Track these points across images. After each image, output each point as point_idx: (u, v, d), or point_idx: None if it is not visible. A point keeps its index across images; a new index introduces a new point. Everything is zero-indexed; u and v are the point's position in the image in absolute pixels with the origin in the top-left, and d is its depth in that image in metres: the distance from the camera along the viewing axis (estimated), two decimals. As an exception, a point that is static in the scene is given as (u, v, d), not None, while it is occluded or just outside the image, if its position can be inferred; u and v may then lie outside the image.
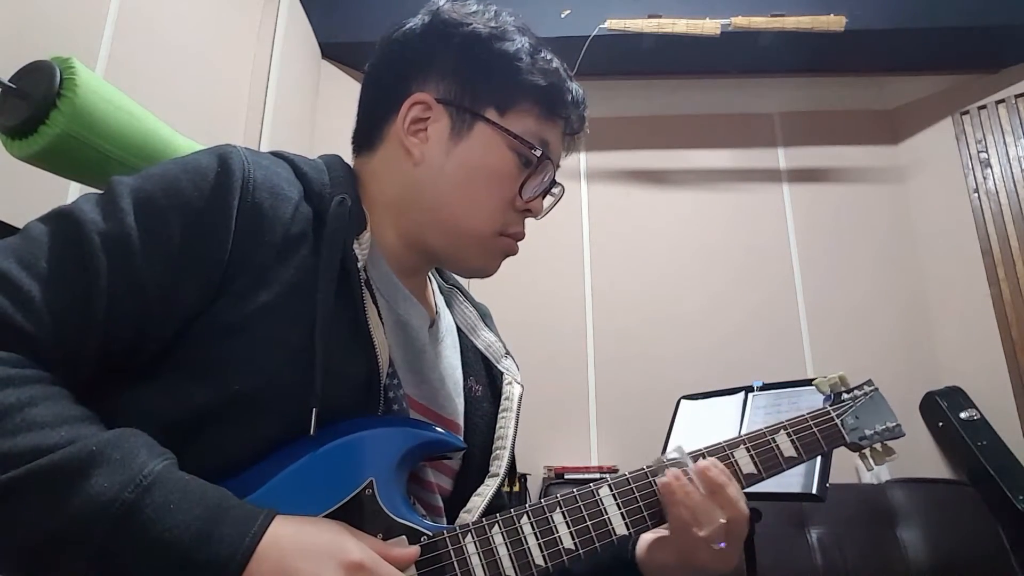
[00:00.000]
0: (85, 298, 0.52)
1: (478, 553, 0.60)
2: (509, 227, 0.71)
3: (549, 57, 0.72)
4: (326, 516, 0.55)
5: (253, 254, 0.57)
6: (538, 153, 0.69)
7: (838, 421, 0.78)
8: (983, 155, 2.63)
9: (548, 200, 0.76)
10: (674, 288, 2.76)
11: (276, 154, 0.66)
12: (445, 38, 0.70)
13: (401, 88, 0.71)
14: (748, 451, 0.72)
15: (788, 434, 0.75)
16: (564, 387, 2.65)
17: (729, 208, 2.87)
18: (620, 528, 0.65)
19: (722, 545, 0.64)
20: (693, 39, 2.36)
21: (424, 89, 0.70)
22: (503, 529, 0.62)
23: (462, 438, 0.74)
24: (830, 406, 0.79)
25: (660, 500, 0.66)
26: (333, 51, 2.59)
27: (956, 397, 2.50)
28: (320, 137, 2.46)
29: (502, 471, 0.73)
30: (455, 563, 0.59)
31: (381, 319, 0.63)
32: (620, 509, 0.66)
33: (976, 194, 2.63)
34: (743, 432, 0.76)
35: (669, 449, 0.70)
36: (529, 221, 0.75)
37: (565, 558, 0.62)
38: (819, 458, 1.19)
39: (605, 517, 0.65)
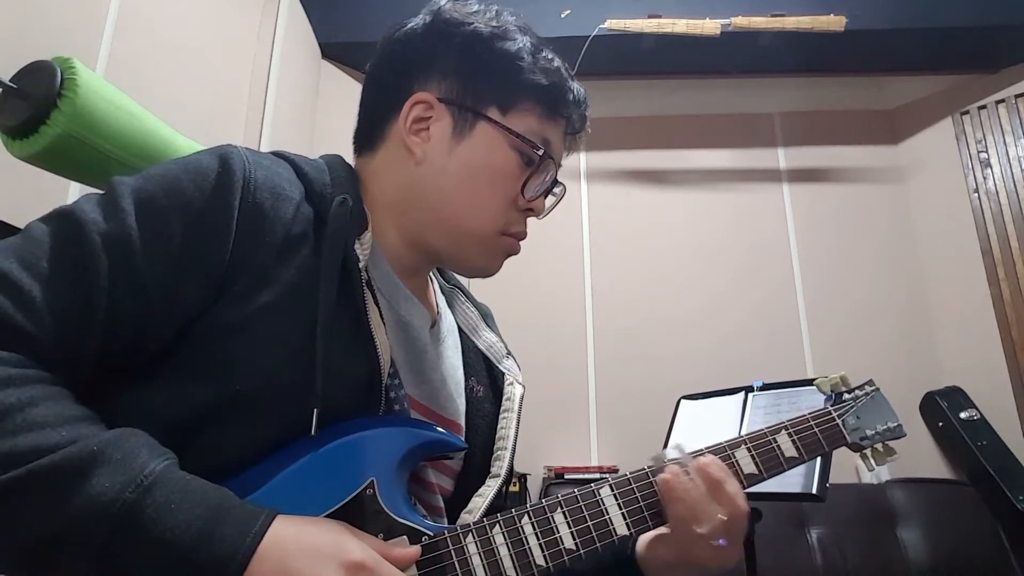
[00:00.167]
0: (86, 298, 0.52)
1: (479, 553, 0.60)
2: (511, 226, 0.71)
3: (551, 56, 0.72)
4: (327, 516, 0.55)
5: (254, 254, 0.57)
6: (540, 152, 0.69)
7: (839, 421, 0.78)
8: (983, 155, 2.63)
9: (550, 200, 0.76)
10: (674, 288, 2.76)
11: (277, 154, 0.66)
12: (447, 38, 0.70)
13: (403, 87, 0.70)
14: (749, 451, 0.72)
15: (789, 434, 0.75)
16: (564, 387, 2.65)
17: (729, 208, 2.87)
18: (621, 528, 0.65)
19: (721, 542, 0.64)
20: (693, 39, 2.36)
21: (426, 88, 0.70)
22: (504, 529, 0.62)
23: (463, 439, 0.74)
24: (831, 406, 0.79)
25: (659, 497, 0.66)
26: (333, 51, 2.59)
27: (956, 397, 2.50)
28: (320, 137, 2.46)
29: (503, 472, 0.73)
30: (456, 563, 0.59)
31: (382, 319, 0.63)
32: (621, 509, 0.66)
33: (976, 194, 2.63)
34: (743, 432, 0.76)
35: (669, 447, 0.69)
36: (529, 221, 0.74)
37: (566, 558, 0.62)
38: (819, 458, 1.19)
39: (606, 517, 0.65)
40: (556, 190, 0.75)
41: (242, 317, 0.56)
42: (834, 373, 0.83)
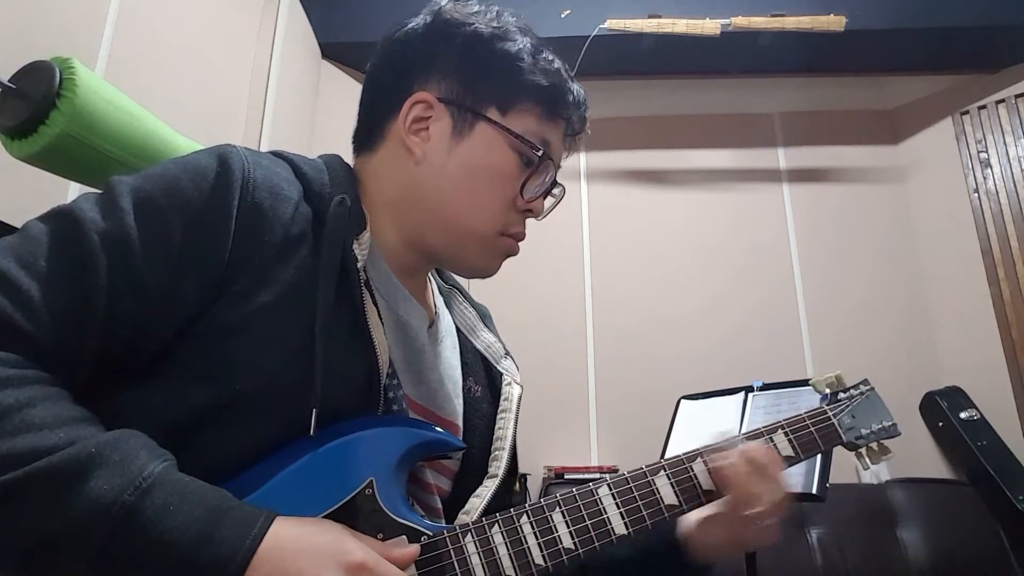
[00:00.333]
0: (85, 297, 0.52)
1: (478, 552, 0.60)
2: (510, 227, 0.71)
3: (551, 58, 0.72)
4: (326, 516, 0.55)
5: (253, 254, 0.57)
6: (539, 153, 0.69)
7: (835, 420, 0.78)
8: (983, 155, 2.63)
9: (549, 201, 0.76)
10: (674, 288, 2.76)
11: (276, 154, 0.66)
12: (447, 38, 0.70)
13: (403, 87, 0.71)
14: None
15: (786, 433, 0.75)
16: (564, 387, 2.65)
17: (729, 208, 2.87)
18: (619, 528, 0.65)
19: (769, 523, 0.68)
20: (693, 39, 2.36)
21: (426, 88, 0.70)
22: (503, 529, 0.62)
23: (461, 439, 0.74)
24: (827, 405, 0.80)
25: (714, 481, 0.69)
26: (333, 51, 2.59)
27: (956, 397, 2.50)
28: (320, 137, 2.46)
29: (501, 472, 0.73)
30: (455, 562, 0.59)
31: (381, 319, 0.63)
32: (619, 509, 0.66)
33: (976, 194, 2.63)
34: (743, 432, 0.76)
35: (718, 433, 0.74)
36: (529, 221, 0.75)
37: (564, 557, 0.62)
38: (819, 458, 1.20)
39: (604, 517, 0.65)
40: (555, 191, 0.75)
41: (241, 317, 0.56)
42: (830, 373, 0.84)
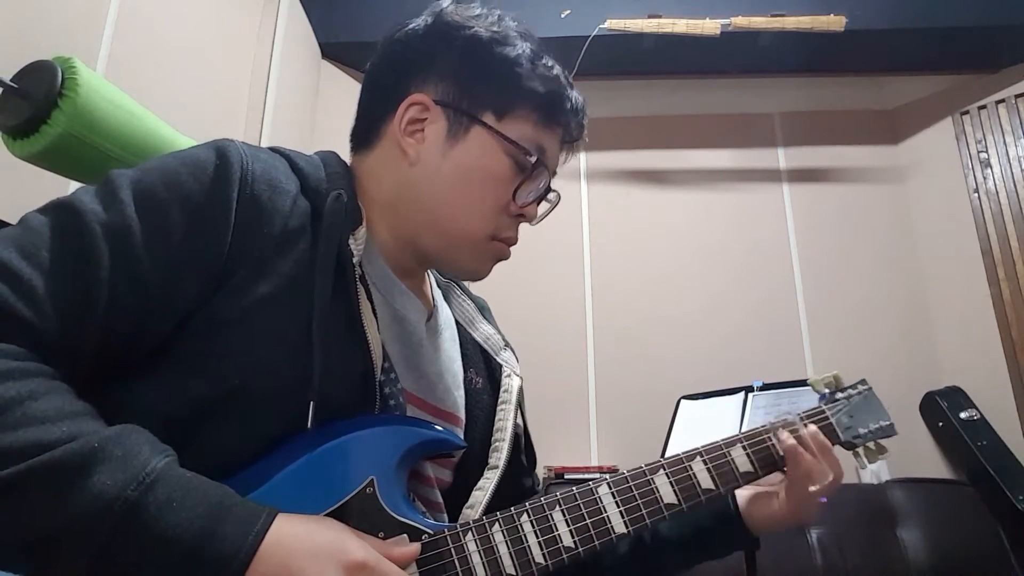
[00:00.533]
0: (86, 289, 0.51)
1: (479, 551, 0.60)
2: (502, 231, 0.71)
3: (550, 64, 0.72)
4: (327, 515, 0.55)
5: (252, 246, 0.57)
6: (533, 159, 0.69)
7: (832, 420, 0.79)
8: (983, 155, 2.63)
9: (543, 207, 0.76)
10: (674, 288, 2.76)
11: (272, 149, 0.66)
12: (447, 40, 0.70)
13: (400, 88, 0.71)
14: (744, 449, 0.73)
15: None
16: (564, 387, 2.65)
17: (729, 208, 2.87)
18: (619, 527, 0.65)
19: (824, 500, 0.73)
20: (693, 39, 2.36)
21: (423, 90, 0.70)
22: (503, 527, 0.62)
23: (463, 430, 0.74)
24: (824, 405, 0.80)
25: (785, 456, 0.73)
26: (333, 51, 2.59)
27: (956, 397, 2.50)
28: (320, 137, 2.47)
29: (502, 463, 0.73)
30: (456, 561, 0.59)
31: (375, 314, 0.63)
32: (619, 508, 0.66)
33: (976, 194, 2.63)
34: (742, 432, 0.76)
35: (783, 412, 0.78)
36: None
37: (565, 556, 0.62)
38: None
39: (604, 515, 0.65)
40: (550, 197, 0.75)
41: (240, 310, 0.56)
42: (827, 373, 0.84)
